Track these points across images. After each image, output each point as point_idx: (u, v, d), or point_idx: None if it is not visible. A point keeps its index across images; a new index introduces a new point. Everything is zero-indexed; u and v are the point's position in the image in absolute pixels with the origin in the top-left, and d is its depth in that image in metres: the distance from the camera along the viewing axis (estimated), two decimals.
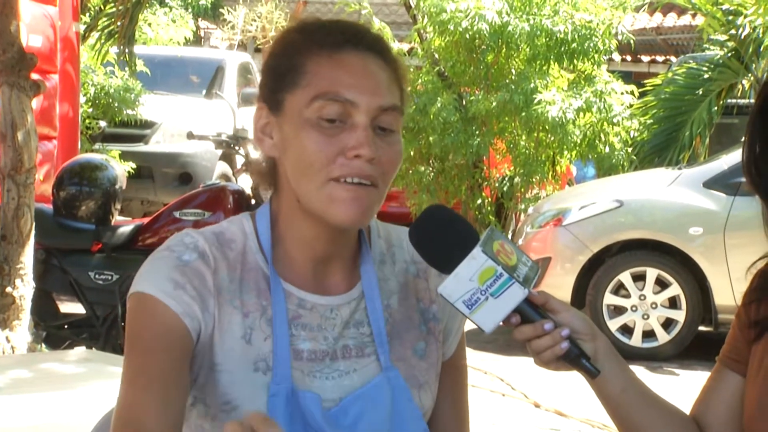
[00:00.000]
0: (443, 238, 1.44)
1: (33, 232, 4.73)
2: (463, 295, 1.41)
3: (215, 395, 1.42)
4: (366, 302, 1.49)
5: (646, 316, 7.19)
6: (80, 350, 4.84)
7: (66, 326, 5.52)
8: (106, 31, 9.00)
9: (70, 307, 6.04)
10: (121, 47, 8.82)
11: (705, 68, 10.16)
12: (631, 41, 9.73)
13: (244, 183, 6.31)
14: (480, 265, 1.40)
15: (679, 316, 7.18)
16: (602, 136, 9.22)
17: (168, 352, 1.38)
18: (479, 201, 9.51)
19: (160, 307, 1.39)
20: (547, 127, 8.93)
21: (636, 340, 7.20)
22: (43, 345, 5.21)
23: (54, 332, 5.42)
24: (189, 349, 1.40)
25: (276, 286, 1.45)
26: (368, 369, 1.48)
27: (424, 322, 1.54)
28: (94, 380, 2.96)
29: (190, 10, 18.31)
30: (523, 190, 9.49)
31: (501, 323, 1.44)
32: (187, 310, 1.40)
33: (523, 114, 8.94)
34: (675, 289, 7.17)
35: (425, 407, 1.52)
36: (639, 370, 6.71)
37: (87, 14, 10.36)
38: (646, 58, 15.86)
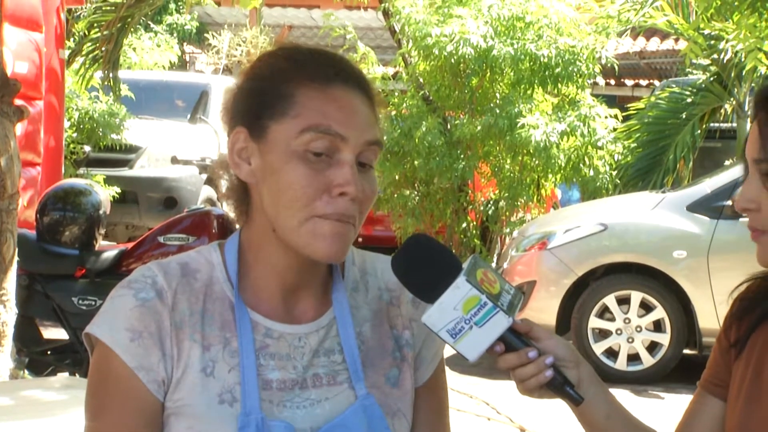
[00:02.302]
0: (426, 267, 1.43)
1: (16, 257, 4.70)
2: (447, 324, 1.41)
3: (178, 431, 1.43)
4: (339, 330, 1.49)
5: (630, 340, 7.20)
6: (63, 377, 4.82)
7: (49, 352, 5.48)
8: (90, 56, 9.00)
9: (54, 332, 6.01)
10: (106, 72, 8.82)
11: (688, 92, 10.24)
12: (615, 65, 9.80)
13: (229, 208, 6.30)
14: (464, 295, 1.40)
15: (664, 339, 7.19)
16: (586, 159, 9.27)
17: (123, 408, 1.43)
18: (464, 224, 9.53)
19: (116, 362, 1.43)
20: (531, 150, 8.97)
21: (621, 364, 7.20)
22: (26, 371, 5.17)
23: (37, 358, 5.39)
24: (147, 401, 1.43)
25: (242, 316, 1.45)
26: (341, 397, 1.47)
27: (398, 348, 1.53)
28: (77, 407, 2.92)
29: (175, 34, 18.35)
30: (508, 213, 9.51)
31: (485, 352, 1.44)
32: (142, 362, 1.42)
33: (508, 138, 8.98)
34: (659, 313, 7.19)
35: None
36: (624, 394, 6.70)
37: (71, 39, 10.37)
38: (629, 82, 15.95)
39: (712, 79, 10.18)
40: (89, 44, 9.11)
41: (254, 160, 1.44)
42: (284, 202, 1.41)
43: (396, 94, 9.78)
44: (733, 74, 9.78)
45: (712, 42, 9.70)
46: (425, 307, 1.49)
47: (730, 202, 7.02)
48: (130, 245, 5.64)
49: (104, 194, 5.72)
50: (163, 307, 1.44)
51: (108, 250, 5.53)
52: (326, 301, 1.51)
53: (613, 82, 14.55)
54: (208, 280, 1.47)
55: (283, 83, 1.44)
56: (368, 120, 1.45)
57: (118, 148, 10.16)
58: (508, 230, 9.37)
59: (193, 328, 1.44)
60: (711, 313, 6.94)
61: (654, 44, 16.56)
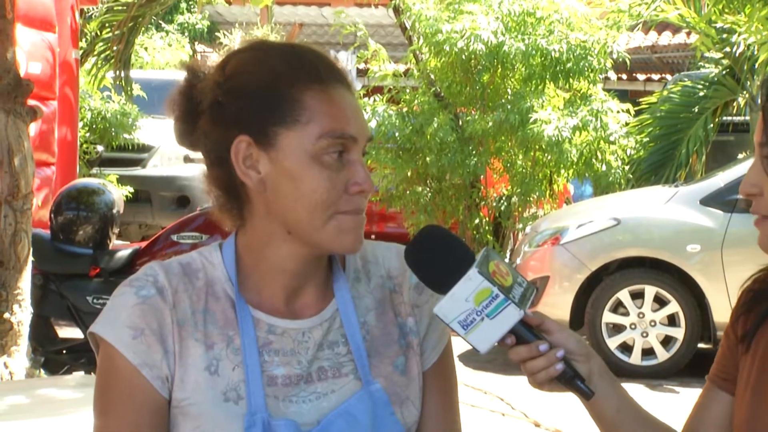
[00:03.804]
0: (439, 259, 1.44)
1: (30, 257, 4.73)
2: (459, 315, 1.41)
3: (185, 430, 1.44)
4: (342, 321, 1.50)
5: (645, 334, 7.18)
6: (78, 375, 4.84)
7: (64, 351, 5.51)
8: (102, 56, 9.04)
9: (69, 332, 6.03)
10: (118, 72, 8.85)
11: (700, 86, 10.20)
12: (627, 60, 9.77)
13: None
14: (476, 286, 1.40)
15: (678, 333, 7.17)
16: (599, 154, 9.25)
17: (129, 405, 1.44)
18: (477, 220, 9.52)
19: (120, 360, 1.44)
20: (543, 146, 8.95)
21: (635, 358, 7.19)
22: (42, 370, 5.19)
23: (52, 357, 5.41)
24: (152, 398, 1.44)
25: (244, 315, 1.46)
26: (347, 388, 1.48)
27: (402, 336, 1.54)
28: (92, 406, 2.94)
29: (186, 33, 18.38)
30: (520, 209, 9.50)
31: (496, 344, 1.45)
32: (146, 359, 1.43)
33: (519, 133, 8.97)
34: (673, 307, 7.17)
35: (408, 423, 1.51)
36: (639, 389, 6.70)
37: (83, 39, 10.41)
38: (641, 77, 15.91)
39: (724, 72, 10.14)
40: (101, 44, 9.15)
41: (263, 168, 1.44)
42: (307, 205, 1.43)
43: (407, 90, 9.79)
44: (745, 67, 9.74)
45: (724, 35, 9.67)
46: (428, 293, 1.50)
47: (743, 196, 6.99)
48: (143, 244, 5.66)
49: (117, 194, 5.74)
50: (164, 305, 1.45)
51: (122, 249, 5.56)
52: (328, 294, 1.52)
53: (624, 76, 14.52)
54: (210, 279, 1.49)
55: (288, 87, 1.44)
56: (363, 116, 1.49)
57: (130, 147, 10.21)
58: (520, 226, 9.36)
59: (195, 327, 1.45)
60: (725, 307, 6.91)
61: (666, 38, 16.50)
